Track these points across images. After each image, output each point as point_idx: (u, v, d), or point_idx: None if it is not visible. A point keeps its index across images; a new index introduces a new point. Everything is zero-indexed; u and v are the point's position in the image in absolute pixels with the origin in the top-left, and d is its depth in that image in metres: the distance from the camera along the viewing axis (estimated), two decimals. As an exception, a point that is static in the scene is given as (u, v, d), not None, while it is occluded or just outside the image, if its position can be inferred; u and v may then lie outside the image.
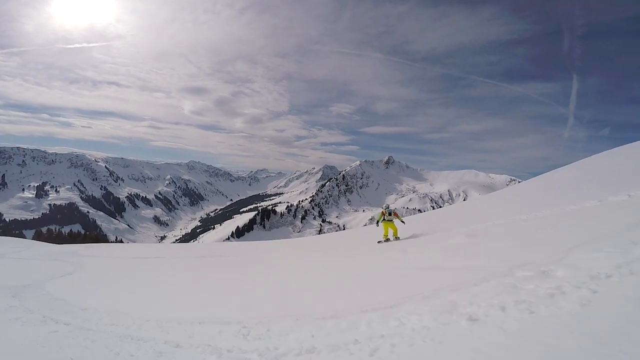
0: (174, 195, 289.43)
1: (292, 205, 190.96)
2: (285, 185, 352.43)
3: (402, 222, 10.35)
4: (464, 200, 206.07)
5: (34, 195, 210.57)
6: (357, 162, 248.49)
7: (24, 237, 32.47)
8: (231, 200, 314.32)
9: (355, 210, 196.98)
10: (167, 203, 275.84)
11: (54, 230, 67.23)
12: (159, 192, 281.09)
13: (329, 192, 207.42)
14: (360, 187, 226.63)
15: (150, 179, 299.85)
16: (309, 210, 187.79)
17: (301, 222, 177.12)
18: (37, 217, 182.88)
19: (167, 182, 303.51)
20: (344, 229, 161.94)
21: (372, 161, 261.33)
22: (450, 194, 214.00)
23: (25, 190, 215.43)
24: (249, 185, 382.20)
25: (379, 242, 9.97)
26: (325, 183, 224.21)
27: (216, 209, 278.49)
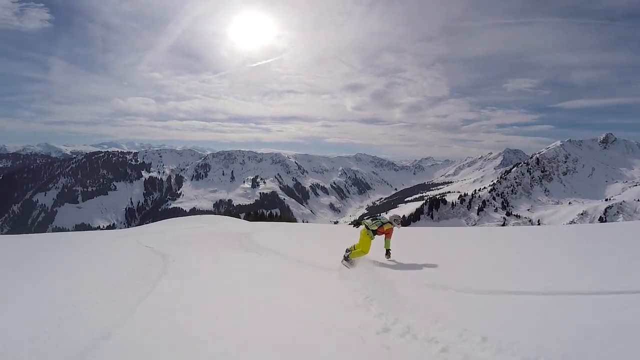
0: (345, 185, 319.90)
1: (465, 195, 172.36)
2: (455, 174, 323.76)
3: (387, 250, 6.44)
4: None
5: (250, 186, 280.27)
6: (558, 143, 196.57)
7: (239, 217, 41.56)
8: (395, 189, 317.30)
9: (557, 203, 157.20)
10: (340, 192, 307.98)
11: (258, 212, 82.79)
12: (334, 182, 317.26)
13: (517, 180, 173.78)
14: (564, 174, 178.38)
15: (327, 170, 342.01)
16: (488, 200, 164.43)
17: (477, 214, 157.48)
18: (252, 202, 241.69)
19: (339, 173, 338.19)
20: (538, 224, 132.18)
21: (580, 141, 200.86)
22: None
23: (245, 182, 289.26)
24: (414, 174, 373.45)
25: (346, 252, 6.64)
26: (511, 169, 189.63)
27: (381, 198, 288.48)
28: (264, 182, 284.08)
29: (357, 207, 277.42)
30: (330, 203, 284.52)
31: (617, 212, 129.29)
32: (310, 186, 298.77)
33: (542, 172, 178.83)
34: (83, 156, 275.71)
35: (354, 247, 6.43)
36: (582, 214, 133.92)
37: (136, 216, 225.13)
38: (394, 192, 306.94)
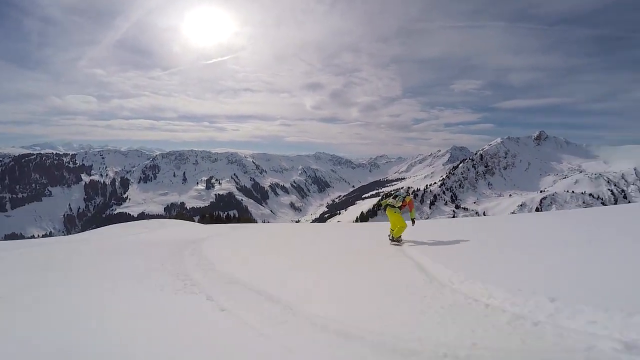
0: (305, 184, 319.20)
1: (418, 190, 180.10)
2: (407, 170, 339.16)
3: (412, 220, 7.19)
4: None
5: (204, 188, 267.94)
6: (498, 140, 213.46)
7: (193, 220, 38.85)
8: (353, 186, 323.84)
9: (499, 195, 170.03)
10: (300, 190, 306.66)
11: (213, 214, 78.84)
12: (294, 181, 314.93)
13: (464, 175, 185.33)
14: (504, 168, 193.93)
15: (287, 170, 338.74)
16: (438, 195, 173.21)
17: (429, 207, 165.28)
18: (207, 204, 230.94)
19: (299, 172, 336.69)
20: (484, 216, 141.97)
21: (517, 138, 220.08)
22: (637, 174, 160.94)
23: (199, 183, 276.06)
24: (370, 171, 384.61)
25: (389, 236, 7.22)
26: (458, 165, 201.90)
27: (340, 195, 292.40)
28: (220, 183, 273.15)
29: (317, 206, 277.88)
30: (291, 202, 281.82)
31: (551, 202, 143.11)
32: (270, 186, 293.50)
33: (485, 167, 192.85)
34: (10, 159, 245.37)
35: (392, 229, 6.97)
36: (521, 205, 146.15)
37: (77, 223, 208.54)
38: (351, 189, 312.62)
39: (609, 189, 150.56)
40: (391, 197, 7.11)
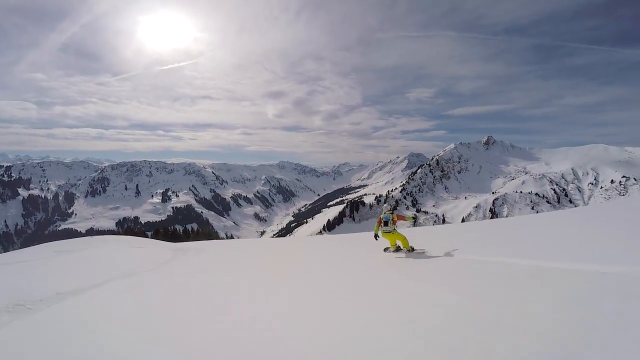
0: (269, 193, 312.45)
1: (381, 196, 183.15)
2: (369, 177, 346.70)
3: (413, 218, 8.50)
4: (595, 179, 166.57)
5: (160, 201, 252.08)
6: (452, 145, 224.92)
7: (146, 236, 34.76)
8: (318, 195, 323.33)
9: (456, 198, 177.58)
10: (264, 200, 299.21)
11: (169, 228, 72.82)
12: (257, 191, 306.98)
13: (422, 180, 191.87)
14: (459, 172, 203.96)
15: (249, 180, 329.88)
16: (400, 200, 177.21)
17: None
18: (163, 218, 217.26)
19: (263, 181, 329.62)
20: (443, 220, 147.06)
21: (469, 143, 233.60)
22: (575, 173, 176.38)
23: (154, 196, 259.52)
24: (333, 179, 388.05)
25: (385, 249, 7.82)
26: (417, 170, 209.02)
27: (306, 204, 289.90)
28: (177, 196, 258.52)
29: (283, 215, 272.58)
30: (255, 213, 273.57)
31: (502, 203, 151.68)
32: (232, 197, 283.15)
33: (441, 171, 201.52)
34: None
35: (398, 244, 7.47)
36: (476, 206, 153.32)
37: (15, 241, 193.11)
38: (317, 197, 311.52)
39: (552, 188, 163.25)
40: (382, 224, 7.28)
